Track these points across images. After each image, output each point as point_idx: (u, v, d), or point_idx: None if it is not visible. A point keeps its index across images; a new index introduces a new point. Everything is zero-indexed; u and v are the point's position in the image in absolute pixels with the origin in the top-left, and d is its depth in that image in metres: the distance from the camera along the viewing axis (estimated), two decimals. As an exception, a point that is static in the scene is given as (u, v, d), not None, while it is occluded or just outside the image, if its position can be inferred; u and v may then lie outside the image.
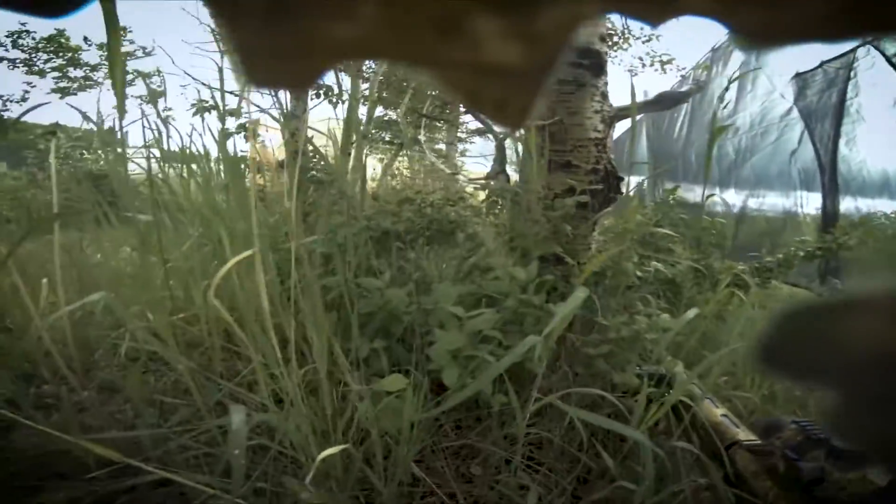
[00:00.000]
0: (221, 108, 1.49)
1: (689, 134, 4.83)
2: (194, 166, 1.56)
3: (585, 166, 1.38)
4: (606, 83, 1.48)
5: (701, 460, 0.89)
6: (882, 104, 3.06)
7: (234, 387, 0.93)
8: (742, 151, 4.25)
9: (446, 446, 1.06)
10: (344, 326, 1.12)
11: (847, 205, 3.68)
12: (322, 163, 1.78)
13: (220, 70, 1.45)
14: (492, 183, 1.59)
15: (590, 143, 1.39)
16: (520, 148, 1.45)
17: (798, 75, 3.44)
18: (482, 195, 1.85)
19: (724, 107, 4.29)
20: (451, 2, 0.10)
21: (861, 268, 3.66)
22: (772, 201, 4.29)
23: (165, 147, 1.58)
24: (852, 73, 3.20)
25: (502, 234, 1.54)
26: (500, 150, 1.64)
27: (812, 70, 3.36)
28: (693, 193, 4.94)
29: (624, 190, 1.49)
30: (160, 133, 1.53)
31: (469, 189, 1.85)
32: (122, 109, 0.91)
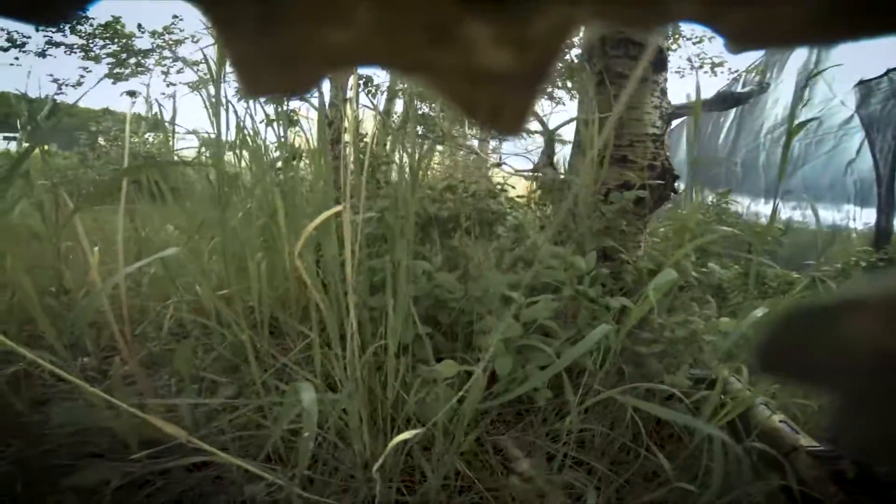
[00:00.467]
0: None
1: (735, 141, 4.65)
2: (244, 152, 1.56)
3: (642, 162, 1.34)
4: (666, 79, 1.43)
5: (757, 466, 0.86)
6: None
7: (291, 363, 0.92)
8: (793, 160, 4.07)
9: (488, 440, 1.04)
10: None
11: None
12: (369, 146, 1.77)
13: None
14: (540, 175, 1.56)
15: (647, 138, 1.35)
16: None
17: (862, 83, 3.26)
18: (522, 188, 1.82)
19: (776, 107, 4.12)
20: (444, 9, 0.10)
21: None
22: (821, 214, 4.09)
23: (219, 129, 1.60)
24: (920, 83, 3.03)
25: (546, 227, 1.50)
26: (549, 143, 1.61)
27: (877, 78, 3.18)
28: (736, 204, 4.77)
29: (678, 189, 1.43)
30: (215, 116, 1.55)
31: (510, 181, 1.82)
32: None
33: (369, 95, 3.16)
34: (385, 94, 3.59)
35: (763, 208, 4.85)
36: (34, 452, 0.85)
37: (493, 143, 6.91)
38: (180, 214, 1.62)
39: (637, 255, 1.37)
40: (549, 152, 1.60)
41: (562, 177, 1.51)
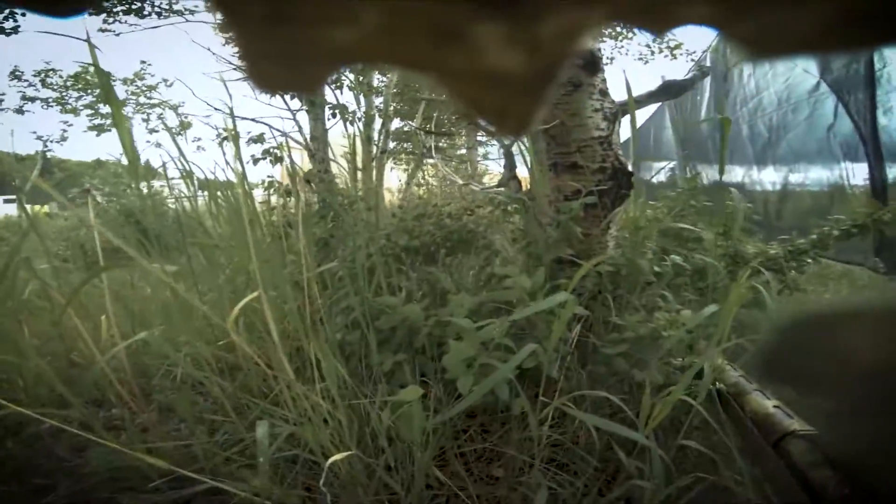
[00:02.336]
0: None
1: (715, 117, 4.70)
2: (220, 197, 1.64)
3: (592, 166, 1.39)
4: (604, 80, 1.47)
5: (731, 455, 0.87)
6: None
7: (267, 405, 1.01)
8: (775, 129, 4.11)
9: (472, 450, 1.10)
10: (367, 343, 1.19)
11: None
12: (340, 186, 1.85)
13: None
14: (503, 190, 1.62)
15: (594, 142, 1.40)
16: (526, 154, 1.48)
17: (821, 48, 3.30)
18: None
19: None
20: (453, 9, 0.10)
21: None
22: (815, 175, 4.11)
23: (198, 177, 1.68)
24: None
25: (519, 240, 1.56)
26: (509, 155, 1.67)
27: (837, 41, 3.22)
28: (729, 175, 4.78)
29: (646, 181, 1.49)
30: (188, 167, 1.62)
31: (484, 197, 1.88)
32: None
33: (347, 123, 3.23)
34: (362, 119, 3.66)
35: (757, 175, 4.86)
36: (79, 488, 1.01)
37: (481, 151, 6.98)
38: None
39: (605, 256, 1.41)
40: (510, 165, 1.66)
41: (522, 189, 1.58)
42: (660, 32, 0.11)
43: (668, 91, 1.80)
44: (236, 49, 0.11)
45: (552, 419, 1.04)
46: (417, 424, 0.81)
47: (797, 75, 3.53)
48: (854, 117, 3.58)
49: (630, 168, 1.49)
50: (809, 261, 1.75)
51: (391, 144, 4.71)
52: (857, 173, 3.79)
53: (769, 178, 4.75)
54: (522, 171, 1.72)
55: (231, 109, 1.31)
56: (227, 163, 1.53)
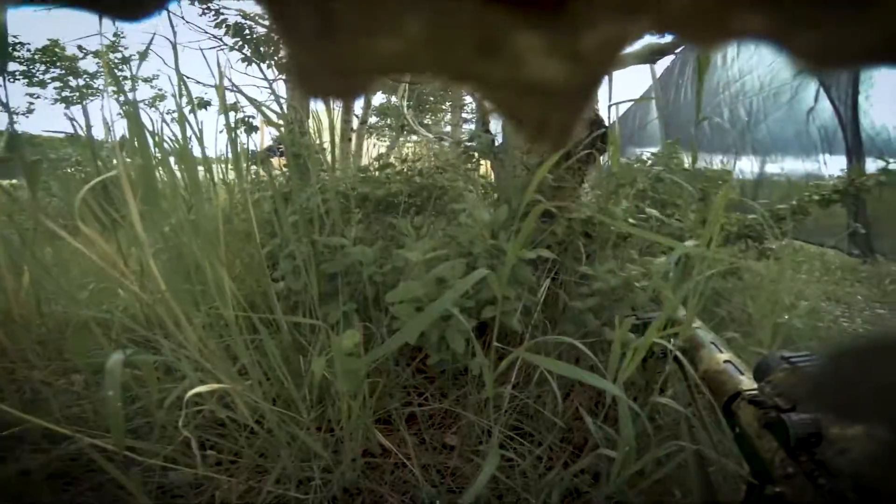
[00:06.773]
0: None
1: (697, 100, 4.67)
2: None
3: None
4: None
5: (702, 418, 0.78)
6: None
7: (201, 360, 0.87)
8: (755, 114, 4.07)
9: (425, 414, 0.99)
10: (318, 291, 1.06)
11: (872, 166, 3.48)
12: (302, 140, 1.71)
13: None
14: (474, 143, 1.51)
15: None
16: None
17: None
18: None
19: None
20: (494, 20, 0.10)
21: (890, 226, 3.46)
22: (791, 165, 4.11)
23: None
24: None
25: (490, 194, 1.46)
26: (482, 110, 1.56)
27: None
28: (704, 162, 4.76)
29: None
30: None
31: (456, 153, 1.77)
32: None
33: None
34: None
35: (735, 163, 4.85)
36: None
37: (466, 129, 6.90)
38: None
39: (573, 208, 1.32)
40: (483, 119, 1.55)
41: (495, 143, 1.47)
42: (710, 47, 0.10)
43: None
44: (287, 59, 0.11)
45: (515, 382, 0.93)
46: (354, 372, 0.69)
47: (783, 59, 3.52)
48: (835, 102, 3.56)
49: (606, 121, 1.39)
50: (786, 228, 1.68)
51: (374, 119, 4.58)
52: (835, 163, 3.79)
53: (746, 165, 4.75)
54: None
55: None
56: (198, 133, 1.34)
